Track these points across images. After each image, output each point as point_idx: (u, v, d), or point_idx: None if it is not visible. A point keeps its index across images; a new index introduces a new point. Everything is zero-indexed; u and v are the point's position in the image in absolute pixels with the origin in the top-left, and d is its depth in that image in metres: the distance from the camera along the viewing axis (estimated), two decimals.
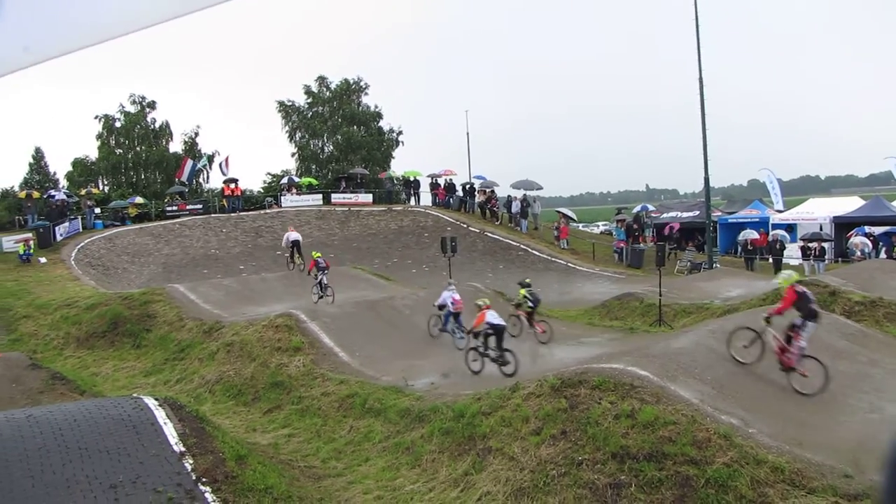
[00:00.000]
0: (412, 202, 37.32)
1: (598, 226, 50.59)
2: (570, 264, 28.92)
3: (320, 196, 37.09)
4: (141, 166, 45.30)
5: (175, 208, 34.71)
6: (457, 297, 14.52)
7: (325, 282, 18.34)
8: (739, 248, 28.47)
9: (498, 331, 11.79)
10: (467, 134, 43.86)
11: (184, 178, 39.44)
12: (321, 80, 48.46)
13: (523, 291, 15.11)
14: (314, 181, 40.18)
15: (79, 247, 28.58)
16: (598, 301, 20.71)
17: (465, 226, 32.98)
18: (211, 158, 44.06)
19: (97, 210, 33.36)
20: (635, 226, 30.67)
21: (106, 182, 44.48)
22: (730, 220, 32.43)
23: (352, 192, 37.30)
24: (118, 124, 44.97)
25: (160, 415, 8.48)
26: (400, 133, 49.86)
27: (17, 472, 6.95)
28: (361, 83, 48.99)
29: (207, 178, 45.32)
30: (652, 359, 9.55)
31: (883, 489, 1.25)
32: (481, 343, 12.00)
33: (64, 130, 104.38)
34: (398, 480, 8.95)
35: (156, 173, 45.51)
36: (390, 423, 10.41)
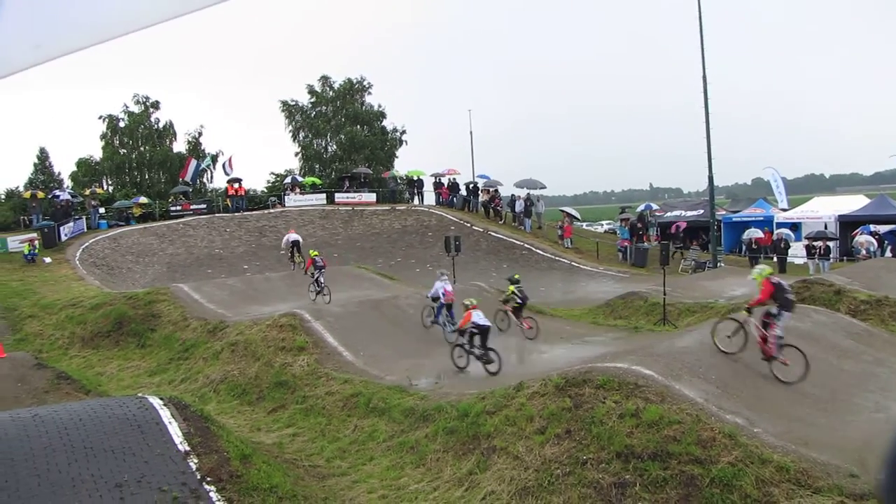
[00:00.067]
0: (416, 201, 37.35)
1: (601, 225, 50.48)
2: (573, 263, 28.90)
3: (324, 196, 37.15)
4: (145, 166, 45.44)
5: (179, 208, 34.82)
6: (448, 287, 14.93)
7: (323, 281, 18.50)
8: (744, 247, 28.41)
9: (483, 330, 12.10)
10: (470, 133, 43.84)
11: (188, 177, 39.56)
12: (324, 79, 48.55)
13: (512, 288, 15.40)
14: (318, 181, 40.23)
15: (83, 247, 28.68)
16: (602, 300, 20.68)
17: (468, 225, 32.98)
18: (215, 158, 44.13)
19: (101, 210, 33.49)
20: (639, 225, 30.64)
21: (110, 182, 44.60)
22: (734, 219, 32.36)
23: (355, 192, 37.34)
24: (122, 124, 45.11)
25: (165, 414, 8.50)
26: (403, 132, 49.96)
27: (23, 470, 6.98)
28: (364, 82, 49.06)
29: (211, 177, 45.53)
30: (656, 358, 9.53)
31: (883, 488, 1.24)
32: (467, 341, 12.31)
33: (68, 131, 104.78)
34: (402, 480, 8.95)
35: (160, 173, 45.65)
36: (394, 423, 10.41)
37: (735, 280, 21.35)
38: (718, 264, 26.56)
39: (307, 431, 11.13)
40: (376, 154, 47.61)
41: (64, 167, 47.13)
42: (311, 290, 18.64)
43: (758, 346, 9.84)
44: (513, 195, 35.02)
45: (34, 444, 7.41)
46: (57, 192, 33.75)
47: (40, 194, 33.24)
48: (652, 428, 7.70)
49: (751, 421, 7.80)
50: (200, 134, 47.23)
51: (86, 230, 31.17)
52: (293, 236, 23.65)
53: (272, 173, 45.26)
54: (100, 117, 44.82)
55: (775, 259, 26.12)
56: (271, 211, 35.85)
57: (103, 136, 44.96)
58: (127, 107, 45.18)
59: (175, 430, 8.17)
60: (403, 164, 45.91)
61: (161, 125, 46.30)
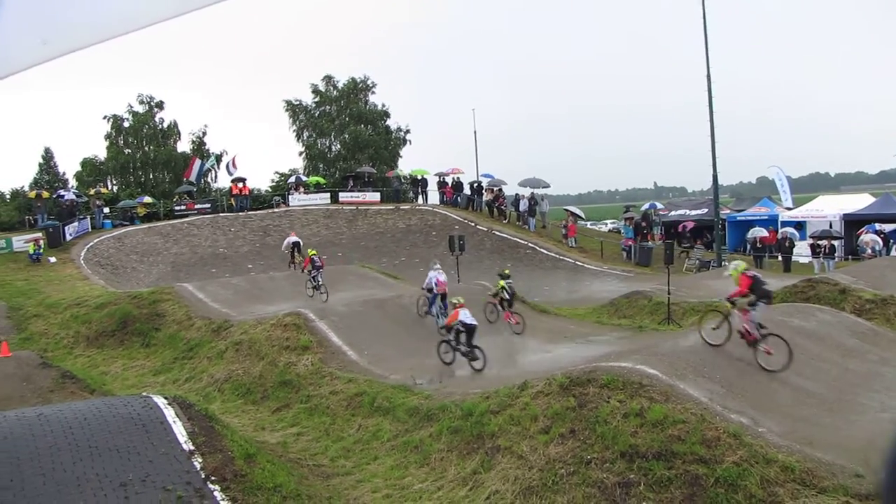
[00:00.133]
0: (420, 201, 37.37)
1: (606, 224, 50.35)
2: (578, 262, 28.85)
3: (328, 195, 37.14)
4: (149, 166, 45.50)
5: (183, 208, 34.90)
6: (441, 278, 15.45)
7: (320, 280, 18.77)
8: (748, 246, 28.30)
9: (469, 329, 12.41)
10: (474, 132, 43.72)
11: (192, 177, 39.60)
12: (328, 79, 48.50)
13: (502, 283, 15.78)
14: (322, 180, 40.20)
15: (88, 246, 28.77)
16: (606, 299, 20.65)
17: (472, 224, 32.96)
18: (219, 158, 44.17)
19: (106, 210, 33.58)
20: (643, 224, 30.54)
21: (115, 182, 44.68)
22: (738, 218, 32.25)
23: (359, 191, 37.35)
24: (126, 124, 45.18)
25: (169, 413, 8.53)
26: (407, 132, 49.90)
27: (29, 469, 7.00)
28: (368, 82, 49.00)
29: (215, 177, 45.50)
30: (661, 357, 9.51)
31: (884, 488, 1.23)
32: (453, 338, 12.68)
33: (73, 131, 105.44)
34: (407, 479, 8.96)
35: (164, 173, 45.72)
36: (399, 422, 10.41)
37: None
38: (723, 263, 26.47)
39: (311, 431, 11.15)
40: (380, 153, 47.57)
41: (69, 167, 47.37)
42: (308, 287, 19.06)
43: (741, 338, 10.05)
44: (517, 194, 34.95)
45: (39, 443, 7.44)
46: (62, 192, 33.88)
47: (45, 194, 33.41)
48: (656, 427, 7.68)
49: (755, 420, 7.78)
50: (204, 134, 47.30)
51: (90, 230, 31.29)
52: (293, 238, 24.77)
53: (276, 172, 45.27)
54: (104, 117, 44.98)
55: (780, 258, 26.05)
56: (275, 210, 35.88)
57: (108, 136, 45.06)
58: (131, 107, 45.34)
59: (179, 430, 8.19)
60: (407, 164, 45.94)
61: (165, 125, 46.40)
